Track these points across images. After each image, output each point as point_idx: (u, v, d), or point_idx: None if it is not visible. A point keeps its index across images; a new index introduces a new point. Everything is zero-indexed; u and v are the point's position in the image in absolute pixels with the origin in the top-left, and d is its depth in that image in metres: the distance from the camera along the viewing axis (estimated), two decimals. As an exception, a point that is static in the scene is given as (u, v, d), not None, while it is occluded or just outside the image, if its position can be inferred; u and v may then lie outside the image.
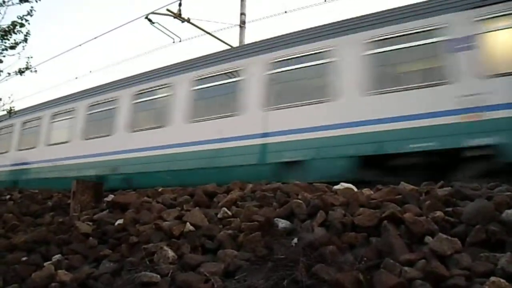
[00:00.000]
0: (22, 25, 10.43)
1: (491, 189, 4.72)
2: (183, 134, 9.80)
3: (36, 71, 11.41)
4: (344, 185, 5.53)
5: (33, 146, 13.55)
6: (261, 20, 19.88)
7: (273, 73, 8.94)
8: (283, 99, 8.76)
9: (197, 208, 5.39)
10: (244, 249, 4.15)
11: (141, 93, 11.12)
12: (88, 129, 12.10)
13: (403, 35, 7.73)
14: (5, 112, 11.75)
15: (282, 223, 4.41)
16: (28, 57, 11.07)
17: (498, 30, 7.13)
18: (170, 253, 4.19)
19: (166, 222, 5.05)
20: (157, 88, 10.86)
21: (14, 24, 10.37)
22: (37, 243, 5.35)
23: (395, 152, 7.29)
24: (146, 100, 11.06)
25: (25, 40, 10.64)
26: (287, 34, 9.32)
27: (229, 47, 13.61)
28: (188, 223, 4.80)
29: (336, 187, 5.55)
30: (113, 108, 11.50)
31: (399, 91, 7.58)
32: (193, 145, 9.52)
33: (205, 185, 6.34)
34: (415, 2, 8.05)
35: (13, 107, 11.61)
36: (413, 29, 7.66)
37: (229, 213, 5.13)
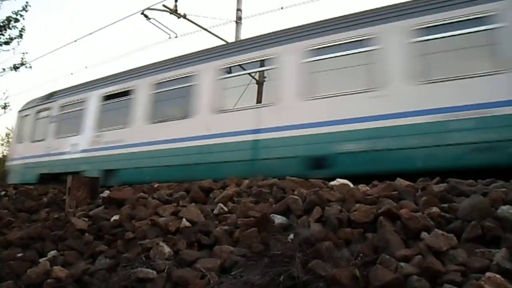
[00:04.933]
0: (17, 21, 10.39)
1: (487, 185, 4.73)
2: None
3: (31, 67, 11.44)
4: (340, 181, 5.53)
5: None
6: (257, 16, 19.85)
7: None
8: None
9: (193, 204, 5.38)
10: (240, 245, 4.15)
11: None
12: None
13: None
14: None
15: (278, 219, 4.41)
16: (23, 53, 11.05)
17: None
18: (166, 249, 4.18)
19: (162, 218, 5.04)
20: None
21: (9, 19, 10.32)
22: (33, 239, 5.33)
23: None
24: None
25: (20, 35, 10.62)
26: None
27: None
28: (184, 219, 4.79)
29: (332, 183, 5.55)
30: None
31: None
32: None
33: (201, 181, 6.34)
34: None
35: (8, 103, 11.58)
36: None
37: (225, 209, 5.12)
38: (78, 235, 5.20)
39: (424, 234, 3.57)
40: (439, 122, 6.90)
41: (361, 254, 3.42)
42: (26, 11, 10.38)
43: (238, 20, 13.76)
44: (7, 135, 24.42)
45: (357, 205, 4.33)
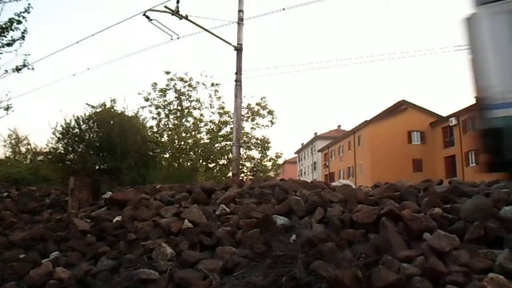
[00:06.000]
0: (19, 22, 10.39)
1: (489, 186, 4.72)
2: None
3: (33, 68, 11.36)
4: (342, 182, 5.53)
5: None
6: (259, 17, 19.83)
7: None
8: None
9: (195, 205, 5.39)
10: (242, 246, 4.15)
11: None
12: None
13: None
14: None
15: (281, 220, 4.41)
16: (25, 54, 11.02)
17: None
18: (168, 250, 4.19)
19: (164, 219, 5.04)
20: None
21: (11, 21, 10.33)
22: (35, 240, 5.34)
23: None
24: None
25: (22, 37, 10.60)
26: None
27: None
28: (186, 220, 4.80)
29: (334, 183, 5.55)
30: None
31: None
32: None
33: (203, 182, 6.34)
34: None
35: (11, 104, 11.57)
36: None
37: (227, 210, 5.12)
38: (80, 236, 5.20)
39: (426, 235, 3.57)
40: None
41: (364, 255, 3.42)
42: (29, 12, 10.39)
43: (240, 21, 13.74)
44: (9, 136, 24.48)
45: (359, 206, 4.34)
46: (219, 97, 19.50)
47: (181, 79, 19.39)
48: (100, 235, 5.21)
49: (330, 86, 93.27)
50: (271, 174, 19.26)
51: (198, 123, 19.46)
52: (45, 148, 17.27)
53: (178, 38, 14.03)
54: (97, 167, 13.93)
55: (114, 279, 4.05)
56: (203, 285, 3.58)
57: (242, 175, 17.07)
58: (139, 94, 19.37)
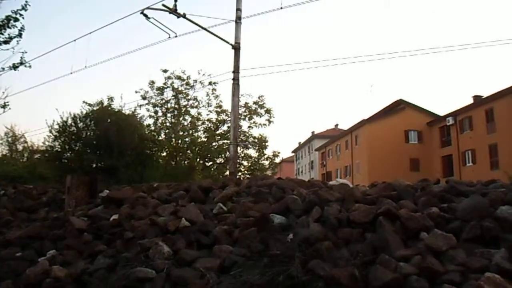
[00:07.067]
0: (16, 20, 10.36)
1: (486, 186, 4.73)
2: None
3: (30, 66, 11.33)
4: (339, 181, 5.54)
5: None
6: (257, 15, 19.81)
7: None
8: None
9: (192, 203, 5.38)
10: (239, 245, 4.15)
11: None
12: None
13: None
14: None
15: (278, 219, 4.41)
16: (23, 52, 10.97)
17: None
18: (166, 249, 4.18)
19: (161, 218, 5.04)
20: None
21: (8, 18, 10.29)
22: (32, 238, 5.32)
23: None
24: None
25: (20, 35, 10.57)
26: None
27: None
28: (183, 218, 4.79)
29: (331, 182, 5.55)
30: None
31: None
32: None
33: (201, 181, 6.34)
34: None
35: (8, 102, 11.53)
36: None
37: (225, 208, 5.12)
38: (77, 234, 5.19)
39: (423, 234, 3.58)
40: None
41: (361, 254, 3.42)
42: (26, 10, 10.35)
43: (238, 19, 13.72)
44: (6, 134, 24.40)
45: (357, 205, 4.34)
46: (217, 96, 19.54)
47: (179, 78, 19.39)
48: (97, 233, 5.20)
49: (327, 85, 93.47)
50: (268, 172, 19.30)
51: (196, 121, 19.46)
52: (42, 146, 17.25)
53: (176, 36, 13.99)
54: (94, 165, 13.91)
55: (111, 277, 4.04)
56: (200, 283, 3.58)
57: (240, 173, 17.09)
58: (136, 92, 19.37)
